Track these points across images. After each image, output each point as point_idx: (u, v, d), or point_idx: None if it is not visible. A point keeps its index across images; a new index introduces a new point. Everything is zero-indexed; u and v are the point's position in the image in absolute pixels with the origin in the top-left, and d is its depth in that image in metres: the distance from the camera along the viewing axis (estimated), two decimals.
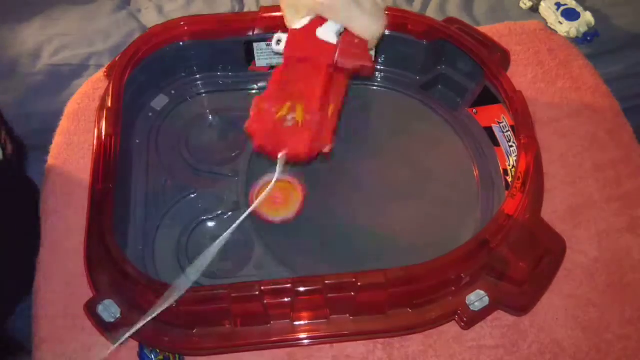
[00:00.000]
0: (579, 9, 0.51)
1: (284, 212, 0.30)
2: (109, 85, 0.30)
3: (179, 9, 0.55)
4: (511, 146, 0.30)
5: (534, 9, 0.53)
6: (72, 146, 0.33)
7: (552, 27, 0.51)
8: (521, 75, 0.36)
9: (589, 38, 0.50)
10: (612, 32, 0.51)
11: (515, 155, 0.29)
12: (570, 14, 0.50)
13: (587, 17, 0.50)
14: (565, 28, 0.50)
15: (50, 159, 0.33)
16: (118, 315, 0.24)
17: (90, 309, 0.25)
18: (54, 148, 0.34)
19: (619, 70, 0.50)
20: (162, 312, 0.24)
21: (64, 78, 0.49)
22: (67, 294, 0.28)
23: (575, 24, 0.50)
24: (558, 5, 0.51)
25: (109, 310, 0.25)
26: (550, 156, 0.33)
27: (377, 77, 0.35)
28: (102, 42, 0.51)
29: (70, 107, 0.36)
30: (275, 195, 0.31)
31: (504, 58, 0.33)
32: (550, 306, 0.28)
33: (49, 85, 0.48)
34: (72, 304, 0.27)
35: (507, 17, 0.52)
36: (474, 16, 0.53)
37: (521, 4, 0.54)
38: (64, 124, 0.35)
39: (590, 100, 0.35)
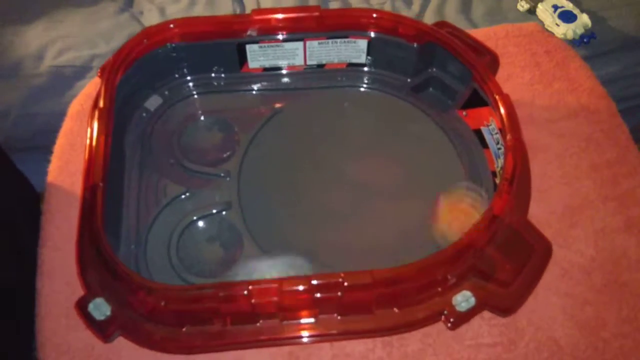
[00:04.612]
0: (576, 11, 0.52)
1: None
2: (101, 85, 0.30)
3: (180, 11, 0.55)
4: (499, 148, 0.31)
5: (531, 11, 0.54)
6: (75, 147, 0.34)
7: (549, 29, 0.52)
8: (518, 77, 0.37)
9: (585, 40, 0.51)
10: (609, 34, 0.52)
11: (503, 157, 0.29)
12: (567, 16, 0.51)
13: (584, 19, 0.51)
14: (562, 30, 0.51)
15: (54, 160, 0.34)
16: (108, 314, 0.25)
17: (81, 307, 0.25)
18: (57, 149, 0.34)
19: (615, 71, 0.51)
20: (151, 310, 0.24)
21: (67, 79, 0.49)
22: (70, 293, 0.28)
23: (572, 26, 0.50)
24: (555, 7, 0.52)
25: (100, 308, 0.25)
26: (547, 157, 0.33)
27: (368, 79, 0.36)
28: (104, 44, 0.52)
29: (73, 108, 0.36)
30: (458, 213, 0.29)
31: (493, 61, 0.33)
32: (548, 305, 0.28)
33: (52, 87, 0.49)
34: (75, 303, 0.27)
35: (504, 19, 0.53)
36: (471, 19, 0.54)
37: (518, 7, 0.54)
38: (67, 124, 0.35)
39: (586, 101, 0.35)
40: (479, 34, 0.36)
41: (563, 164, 0.33)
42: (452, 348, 0.27)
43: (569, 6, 0.52)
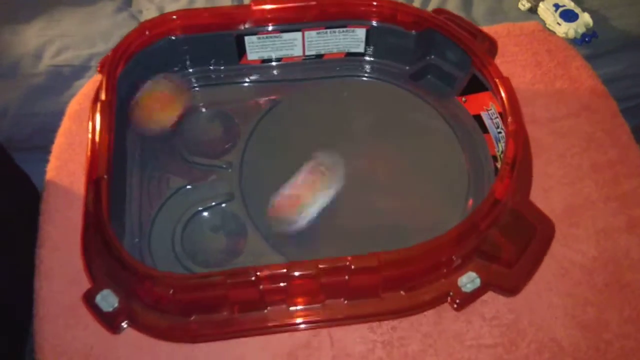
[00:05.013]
0: (577, 10, 0.51)
1: (164, 116, 0.31)
2: (102, 79, 0.30)
3: (180, 9, 0.55)
4: (499, 132, 0.31)
5: (533, 10, 0.54)
6: (74, 146, 0.34)
7: (551, 28, 0.51)
8: (519, 76, 0.36)
9: (587, 39, 0.50)
10: (610, 33, 0.51)
11: (504, 141, 0.29)
12: (568, 15, 0.51)
13: (586, 18, 0.51)
14: (564, 29, 0.50)
15: (52, 159, 0.33)
16: (116, 305, 0.25)
17: (88, 299, 0.25)
18: (55, 148, 0.34)
19: (617, 71, 0.50)
20: (158, 300, 0.24)
21: (65, 79, 0.49)
22: (69, 293, 0.28)
23: (573, 25, 0.50)
24: (556, 6, 0.52)
25: (107, 300, 0.25)
26: (549, 156, 0.33)
27: (367, 68, 0.36)
28: (103, 43, 0.51)
29: (71, 108, 0.36)
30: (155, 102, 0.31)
31: (492, 46, 0.33)
32: (549, 305, 0.28)
33: (51, 86, 0.48)
34: (74, 303, 0.27)
35: (505, 18, 0.53)
36: (472, 17, 0.54)
37: (519, 5, 0.54)
38: (65, 124, 0.35)
39: (588, 100, 0.35)
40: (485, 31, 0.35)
41: (564, 164, 0.33)
42: (452, 348, 0.26)
43: (571, 5, 0.52)
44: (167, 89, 0.31)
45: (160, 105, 0.30)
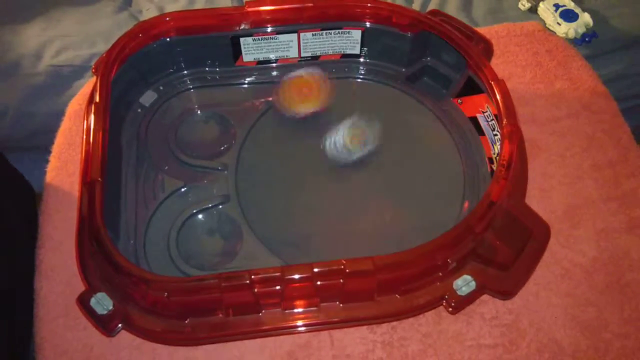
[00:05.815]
0: (577, 10, 0.51)
1: (312, 104, 0.32)
2: (96, 81, 0.30)
3: (180, 9, 0.55)
4: (495, 134, 0.31)
5: (533, 10, 0.54)
6: (74, 146, 0.34)
7: (551, 28, 0.51)
8: (520, 76, 0.37)
9: (587, 39, 0.50)
10: (611, 33, 0.51)
11: (500, 144, 0.29)
12: (568, 15, 0.51)
13: (586, 18, 0.51)
14: (564, 29, 0.50)
15: (52, 160, 0.34)
16: (111, 308, 0.25)
17: (83, 302, 0.25)
18: (55, 148, 0.34)
19: (617, 70, 0.50)
20: (153, 303, 0.24)
21: (65, 79, 0.49)
22: (68, 294, 0.28)
23: (573, 25, 0.50)
24: (556, 6, 0.52)
25: (102, 303, 0.25)
26: (549, 156, 0.33)
27: (363, 70, 0.36)
28: (103, 43, 0.51)
29: (71, 108, 0.36)
30: (302, 89, 0.32)
31: (487, 48, 0.33)
32: (549, 305, 0.28)
33: (51, 86, 0.48)
34: (73, 303, 0.27)
35: (505, 18, 0.53)
36: (472, 17, 0.54)
37: (520, 5, 0.54)
38: (65, 124, 0.35)
39: (588, 100, 0.35)
40: (480, 32, 0.35)
41: (564, 164, 0.33)
42: (452, 348, 0.27)
43: (571, 5, 0.52)
44: (317, 81, 0.32)
45: (307, 91, 0.31)
